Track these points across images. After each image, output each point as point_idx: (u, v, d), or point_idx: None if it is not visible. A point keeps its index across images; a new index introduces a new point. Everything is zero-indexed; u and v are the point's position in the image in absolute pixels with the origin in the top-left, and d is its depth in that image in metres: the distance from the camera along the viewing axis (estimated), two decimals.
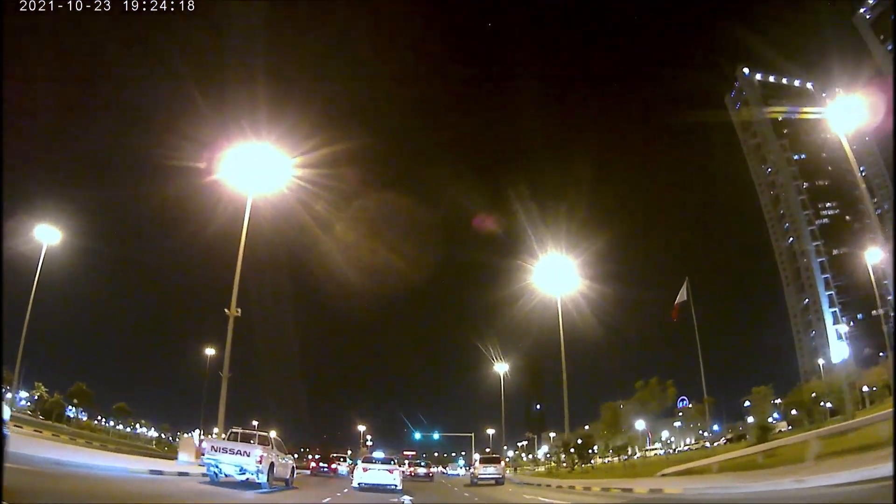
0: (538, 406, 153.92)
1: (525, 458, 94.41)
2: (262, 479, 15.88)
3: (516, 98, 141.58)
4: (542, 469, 58.15)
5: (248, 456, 15.74)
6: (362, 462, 23.88)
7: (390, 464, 22.73)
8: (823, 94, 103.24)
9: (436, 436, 63.58)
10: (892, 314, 76.64)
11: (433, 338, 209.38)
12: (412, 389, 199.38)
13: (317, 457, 43.11)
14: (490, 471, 27.96)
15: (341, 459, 37.25)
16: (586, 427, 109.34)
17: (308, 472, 35.10)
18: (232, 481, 16.38)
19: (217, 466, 16.10)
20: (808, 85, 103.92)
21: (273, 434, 21.27)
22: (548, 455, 66.21)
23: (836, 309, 79.80)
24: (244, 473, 15.78)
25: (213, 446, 16.36)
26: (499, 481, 27.54)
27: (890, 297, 61.51)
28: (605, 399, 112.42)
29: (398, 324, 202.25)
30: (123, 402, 56.04)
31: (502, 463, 30.86)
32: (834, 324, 79.27)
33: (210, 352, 62.57)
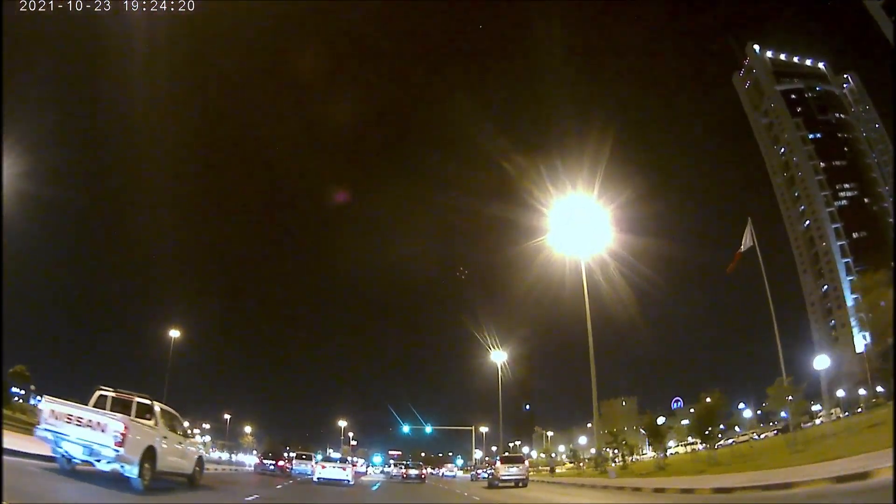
0: (527, 406, 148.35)
1: (557, 457, 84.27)
2: (131, 471, 9.33)
3: (530, 58, 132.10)
4: (565, 469, 49.95)
5: (104, 431, 9.11)
6: (322, 461, 27.84)
7: (345, 463, 27.20)
8: (836, 75, 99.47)
9: (428, 429, 56.27)
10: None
11: (424, 329, 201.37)
12: (401, 385, 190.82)
13: (257, 452, 37.07)
14: (513, 471, 25.95)
15: (305, 457, 33.43)
16: (589, 424, 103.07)
17: (252, 469, 32.24)
18: (93, 471, 9.49)
19: (60, 444, 9.14)
20: (821, 65, 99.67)
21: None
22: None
23: (859, 295, 74.17)
24: (99, 459, 8.90)
25: (53, 411, 9.29)
26: (523, 483, 25.53)
27: None
28: (602, 399, 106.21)
29: (388, 314, 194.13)
30: (22, 366, 45.56)
31: (526, 463, 28.66)
32: (857, 311, 73.74)
33: (174, 333, 55.76)
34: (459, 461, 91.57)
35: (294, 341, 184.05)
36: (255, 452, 77.63)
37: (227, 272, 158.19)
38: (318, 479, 24.08)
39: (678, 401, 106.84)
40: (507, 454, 32.01)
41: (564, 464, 61.58)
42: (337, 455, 35.31)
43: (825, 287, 78.67)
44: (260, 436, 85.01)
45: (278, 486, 17.15)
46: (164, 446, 10.54)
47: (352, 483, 24.45)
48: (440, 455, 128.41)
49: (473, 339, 52.40)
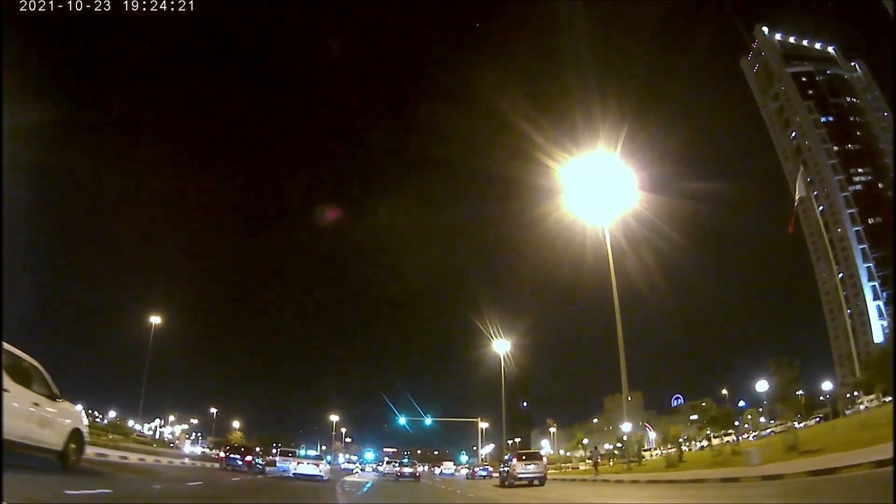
0: (524, 403, 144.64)
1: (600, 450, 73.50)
2: None
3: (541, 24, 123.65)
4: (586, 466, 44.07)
5: None
6: (297, 458, 29.76)
7: (318, 460, 29.08)
8: (845, 60, 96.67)
9: (428, 421, 52.26)
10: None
11: (423, 322, 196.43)
12: (398, 381, 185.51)
13: (227, 447, 35.17)
14: (532, 469, 24.25)
15: (290, 454, 34.02)
16: (595, 420, 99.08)
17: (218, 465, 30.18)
18: None
19: None
20: (830, 49, 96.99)
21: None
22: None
23: (877, 283, 71.14)
24: None
25: None
26: (540, 481, 23.81)
27: None
28: (606, 394, 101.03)
29: (384, 305, 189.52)
30: None
31: (544, 459, 27.08)
32: (874, 299, 70.64)
33: (155, 320, 52.11)
34: (464, 458, 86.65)
35: (286, 335, 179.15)
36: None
37: (217, 264, 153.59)
38: (293, 474, 26.38)
39: (678, 398, 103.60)
40: (524, 451, 30.17)
41: (583, 459, 56.89)
42: (314, 452, 39.47)
43: (840, 275, 75.44)
44: (250, 432, 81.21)
45: (197, 483, 13.40)
46: (6, 404, 6.79)
47: (325, 479, 25.98)
48: (436, 452, 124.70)
49: (472, 332, 48.72)
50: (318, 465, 26.85)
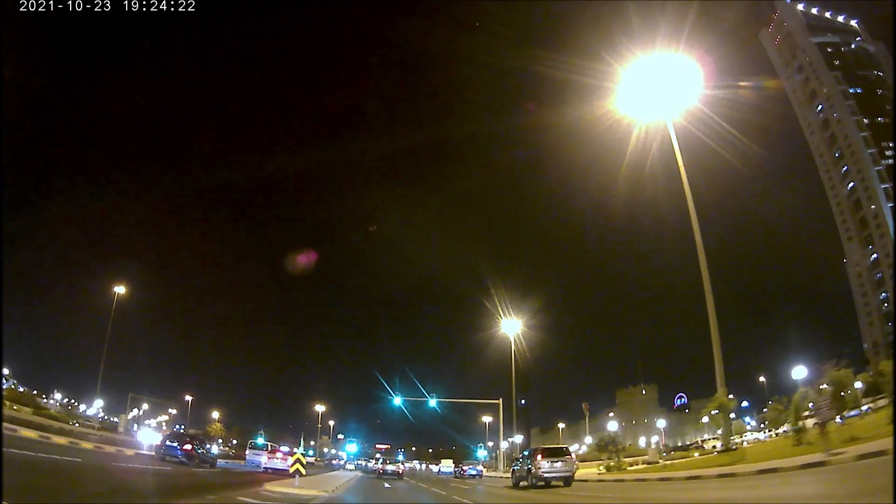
0: (523, 401, 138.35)
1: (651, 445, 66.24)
2: None
3: None
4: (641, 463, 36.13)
5: None
6: (268, 453, 31.74)
7: (287, 455, 30.33)
8: (870, 34, 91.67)
9: (432, 402, 45.14)
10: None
11: (420, 313, 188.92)
12: (395, 369, 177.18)
13: (168, 432, 33.94)
14: (559, 466, 21.83)
15: (270, 449, 34.10)
16: (610, 414, 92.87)
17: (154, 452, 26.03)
18: None
19: None
20: (853, 23, 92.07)
21: None
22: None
23: None
24: None
25: None
26: (566, 481, 21.67)
27: None
28: (619, 387, 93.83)
29: (380, 289, 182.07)
30: None
31: (573, 456, 24.20)
32: None
33: (119, 290, 46.56)
34: (482, 453, 78.29)
35: (276, 322, 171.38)
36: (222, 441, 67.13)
37: (203, 248, 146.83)
38: (264, 468, 28.57)
39: (682, 397, 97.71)
40: (550, 446, 27.09)
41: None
42: (286, 448, 41.72)
43: (875, 255, 69.84)
44: (231, 424, 74.92)
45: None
46: None
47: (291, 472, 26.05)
48: (429, 450, 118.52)
49: (478, 319, 42.47)
50: (285, 460, 28.29)
